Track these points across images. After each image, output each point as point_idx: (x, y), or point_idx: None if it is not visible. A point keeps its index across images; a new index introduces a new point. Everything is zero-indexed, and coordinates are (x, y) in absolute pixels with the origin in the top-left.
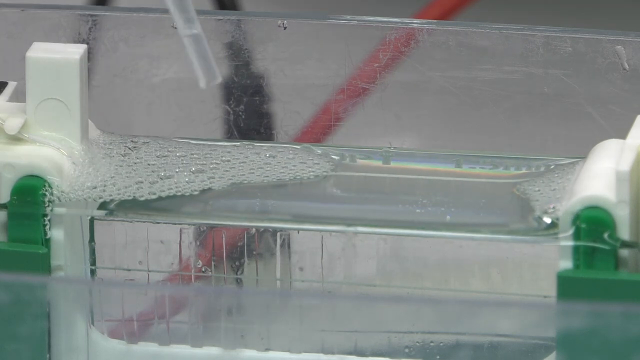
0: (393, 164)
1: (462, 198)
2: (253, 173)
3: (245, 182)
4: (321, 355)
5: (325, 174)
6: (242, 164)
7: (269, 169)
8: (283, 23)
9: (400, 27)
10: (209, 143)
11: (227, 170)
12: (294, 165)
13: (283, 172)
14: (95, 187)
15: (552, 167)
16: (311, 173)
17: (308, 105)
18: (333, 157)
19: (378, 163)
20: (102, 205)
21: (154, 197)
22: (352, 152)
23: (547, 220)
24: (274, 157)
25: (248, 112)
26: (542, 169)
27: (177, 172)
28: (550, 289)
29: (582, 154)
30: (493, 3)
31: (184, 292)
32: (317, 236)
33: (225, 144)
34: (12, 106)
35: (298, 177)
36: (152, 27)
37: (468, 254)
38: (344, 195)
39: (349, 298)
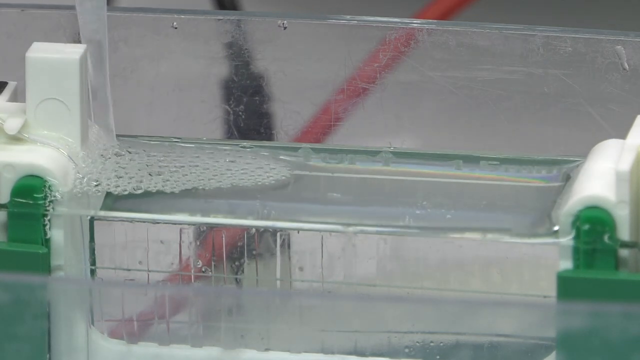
0: (392, 166)
1: (462, 199)
2: (213, 179)
3: (200, 188)
4: (321, 355)
5: (283, 177)
6: (204, 171)
7: (229, 174)
8: (283, 23)
9: (400, 27)
10: (207, 146)
11: (185, 175)
12: (252, 171)
13: (242, 179)
14: (95, 187)
15: (553, 171)
16: (270, 178)
17: (308, 105)
18: (284, 158)
19: (342, 165)
20: (102, 205)
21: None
22: (352, 152)
23: (547, 220)
24: (233, 161)
25: (248, 112)
26: (543, 171)
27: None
28: (550, 289)
29: (582, 154)
30: (493, 3)
31: (184, 292)
32: (317, 236)
33: (226, 147)
34: (12, 106)
35: (259, 182)
36: (152, 27)
37: (468, 254)
38: (344, 196)
39: (349, 298)
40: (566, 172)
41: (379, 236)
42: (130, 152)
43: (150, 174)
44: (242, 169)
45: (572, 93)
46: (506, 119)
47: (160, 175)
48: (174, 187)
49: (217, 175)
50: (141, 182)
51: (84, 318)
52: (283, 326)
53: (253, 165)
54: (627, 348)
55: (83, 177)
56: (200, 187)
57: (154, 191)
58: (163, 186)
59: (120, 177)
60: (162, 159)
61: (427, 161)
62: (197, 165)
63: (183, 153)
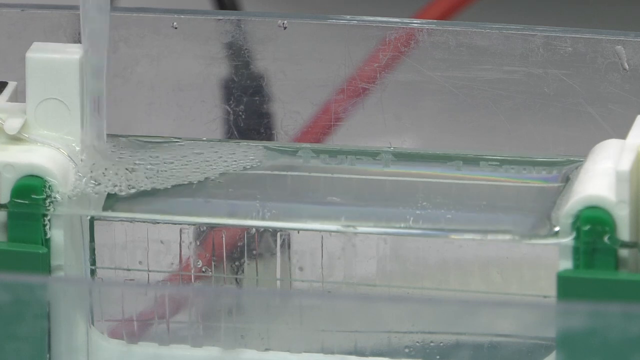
0: (392, 167)
1: (462, 199)
2: (196, 172)
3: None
4: (321, 355)
5: (259, 163)
6: (185, 165)
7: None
8: (283, 23)
9: (400, 27)
10: (209, 144)
11: (171, 170)
12: (234, 160)
13: (228, 167)
14: (95, 187)
15: (553, 171)
16: (250, 160)
17: (308, 105)
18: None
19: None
20: (103, 205)
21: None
22: (352, 153)
23: (547, 220)
24: (200, 153)
25: (248, 112)
26: (543, 172)
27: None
28: (550, 289)
29: (582, 154)
30: (493, 3)
31: (184, 292)
32: (317, 236)
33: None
34: (12, 106)
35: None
36: (152, 27)
37: (468, 254)
38: (344, 196)
39: (349, 298)
40: (566, 172)
41: (379, 236)
42: (121, 152)
43: (127, 171)
44: (219, 157)
45: (572, 93)
46: (506, 119)
47: (146, 172)
48: (164, 184)
49: (198, 168)
50: (131, 180)
51: (84, 318)
52: (283, 326)
53: (223, 152)
54: (627, 348)
55: (83, 177)
56: (189, 182)
57: (148, 189)
58: (153, 183)
59: (120, 177)
60: (132, 155)
61: (427, 162)
62: (173, 163)
63: (158, 150)
